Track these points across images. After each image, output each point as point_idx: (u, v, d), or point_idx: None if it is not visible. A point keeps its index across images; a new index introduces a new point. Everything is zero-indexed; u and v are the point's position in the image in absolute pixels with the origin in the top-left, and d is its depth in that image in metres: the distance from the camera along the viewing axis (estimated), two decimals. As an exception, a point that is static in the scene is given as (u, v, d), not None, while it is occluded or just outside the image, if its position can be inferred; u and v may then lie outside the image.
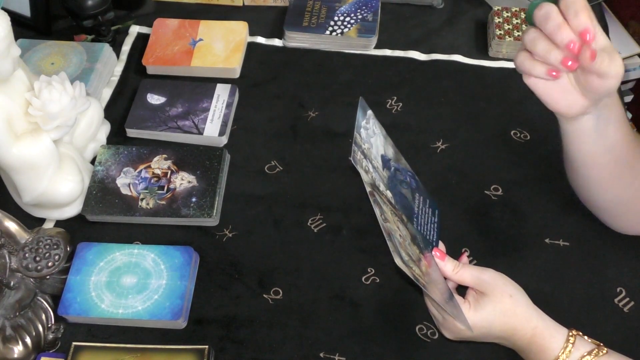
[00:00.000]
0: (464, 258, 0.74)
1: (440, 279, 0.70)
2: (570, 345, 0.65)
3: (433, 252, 0.72)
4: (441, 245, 0.77)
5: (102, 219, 0.89)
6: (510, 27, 1.06)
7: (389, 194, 0.72)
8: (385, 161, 0.75)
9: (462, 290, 0.73)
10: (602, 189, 0.77)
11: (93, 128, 0.93)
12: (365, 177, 0.67)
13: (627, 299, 0.81)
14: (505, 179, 0.92)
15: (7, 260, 0.77)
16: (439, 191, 0.90)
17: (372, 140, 0.73)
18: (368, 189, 0.66)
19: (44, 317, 0.79)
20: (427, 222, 0.78)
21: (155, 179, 0.91)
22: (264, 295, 0.83)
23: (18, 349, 0.76)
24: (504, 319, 0.67)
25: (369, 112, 0.74)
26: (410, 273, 0.63)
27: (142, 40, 1.11)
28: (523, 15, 1.06)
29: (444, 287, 0.70)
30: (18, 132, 0.81)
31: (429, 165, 0.94)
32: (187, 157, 0.93)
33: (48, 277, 0.80)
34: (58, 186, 0.84)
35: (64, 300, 0.79)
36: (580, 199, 0.83)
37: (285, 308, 0.82)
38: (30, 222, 0.89)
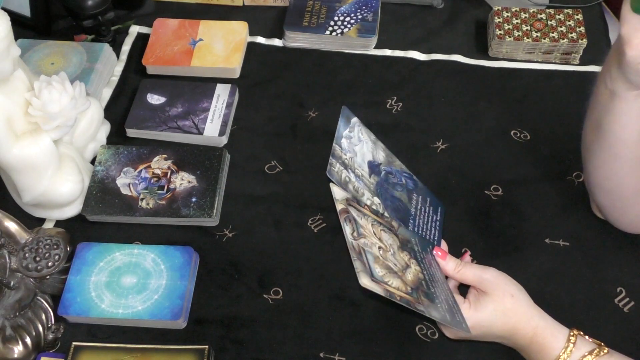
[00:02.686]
0: (467, 257, 0.74)
1: (441, 279, 0.70)
2: (571, 345, 0.65)
3: (434, 252, 0.72)
4: (443, 245, 0.77)
5: (102, 219, 0.89)
6: (510, 27, 1.06)
7: (376, 200, 0.71)
8: (374, 167, 0.74)
9: (463, 290, 0.73)
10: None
11: (93, 128, 0.93)
12: (338, 194, 0.66)
13: (627, 299, 0.81)
14: (505, 179, 0.92)
15: (7, 260, 0.77)
16: (439, 191, 0.90)
17: (356, 149, 0.72)
18: (340, 207, 0.65)
19: (44, 317, 0.79)
20: (427, 222, 0.78)
21: (155, 179, 0.91)
22: (264, 295, 0.83)
23: (18, 349, 0.76)
24: (505, 319, 0.67)
25: (354, 119, 0.74)
26: (382, 290, 0.62)
27: (142, 40, 1.11)
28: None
29: (444, 287, 0.70)
30: (18, 132, 0.81)
31: (429, 165, 0.94)
32: (187, 157, 0.93)
33: (48, 277, 0.80)
34: (58, 186, 0.84)
35: (64, 300, 0.79)
36: (599, 193, 0.81)
37: (285, 308, 0.82)
38: (30, 222, 0.89)
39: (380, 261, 0.65)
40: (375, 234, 0.67)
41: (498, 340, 0.71)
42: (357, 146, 0.73)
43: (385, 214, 0.72)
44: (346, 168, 0.69)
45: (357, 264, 0.61)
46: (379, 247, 0.66)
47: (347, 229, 0.64)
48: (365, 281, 0.61)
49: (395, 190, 0.76)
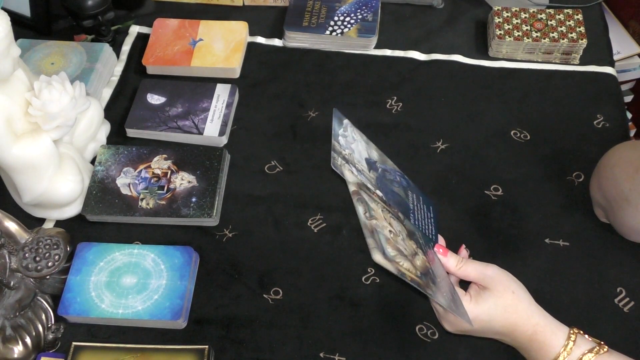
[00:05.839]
0: (463, 251, 0.74)
1: (443, 274, 0.71)
2: (571, 343, 0.65)
3: (435, 249, 0.72)
4: (441, 240, 0.77)
5: (102, 219, 0.89)
6: (510, 27, 1.06)
7: (379, 192, 0.72)
8: (371, 163, 0.75)
9: (463, 286, 0.73)
10: None
11: (93, 128, 0.93)
12: (350, 177, 0.67)
13: (627, 299, 0.81)
14: (505, 179, 0.92)
15: (7, 260, 0.77)
16: (439, 191, 0.90)
17: (352, 146, 0.73)
18: (352, 189, 0.66)
19: (44, 317, 0.79)
20: (424, 218, 0.78)
21: (155, 179, 0.91)
22: (264, 295, 0.83)
23: (18, 349, 0.76)
24: (505, 315, 0.67)
25: (345, 121, 0.74)
26: (394, 268, 0.63)
27: (142, 40, 1.11)
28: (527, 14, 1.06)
29: (447, 282, 0.70)
30: (18, 132, 0.81)
31: (429, 165, 0.94)
32: (187, 157, 0.93)
33: (48, 277, 0.80)
34: (58, 186, 0.84)
35: (64, 300, 0.79)
36: (633, 235, 0.82)
37: (285, 308, 0.82)
38: (30, 222, 0.89)
39: (392, 243, 0.65)
40: (385, 219, 0.67)
41: (498, 337, 0.71)
42: (352, 144, 0.73)
43: (391, 204, 0.72)
44: (347, 162, 0.70)
45: (369, 241, 0.62)
46: (390, 231, 0.67)
47: (360, 209, 0.64)
48: (378, 257, 0.61)
49: (394, 186, 0.76)
